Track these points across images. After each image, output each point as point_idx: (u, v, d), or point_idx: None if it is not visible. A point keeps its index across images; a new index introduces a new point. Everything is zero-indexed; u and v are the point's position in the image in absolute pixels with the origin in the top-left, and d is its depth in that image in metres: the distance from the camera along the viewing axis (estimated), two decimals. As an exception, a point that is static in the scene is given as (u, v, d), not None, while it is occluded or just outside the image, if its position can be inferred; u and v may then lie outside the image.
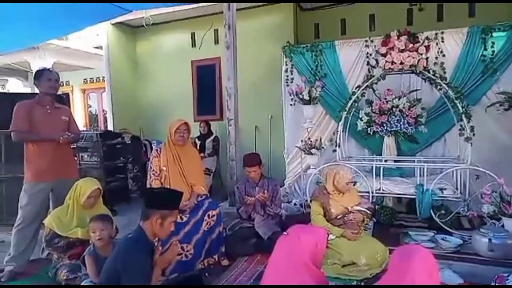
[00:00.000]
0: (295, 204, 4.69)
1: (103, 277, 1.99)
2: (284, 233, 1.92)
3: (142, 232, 2.05)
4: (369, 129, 4.53)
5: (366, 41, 4.66)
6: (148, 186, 3.21)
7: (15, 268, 3.00)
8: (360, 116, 4.57)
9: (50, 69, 3.34)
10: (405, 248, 1.75)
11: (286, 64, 5.16)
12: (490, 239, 2.88)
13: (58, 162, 3.11)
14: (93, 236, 2.56)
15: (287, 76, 5.16)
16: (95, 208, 2.89)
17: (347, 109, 4.30)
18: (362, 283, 2.65)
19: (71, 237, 2.78)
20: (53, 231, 2.77)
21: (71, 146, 3.52)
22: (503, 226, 3.12)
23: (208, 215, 3.15)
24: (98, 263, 2.44)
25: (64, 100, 4.55)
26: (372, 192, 3.91)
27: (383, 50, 4.19)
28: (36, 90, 3.26)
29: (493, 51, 4.13)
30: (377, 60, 4.41)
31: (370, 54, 4.61)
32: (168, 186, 3.09)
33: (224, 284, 2.79)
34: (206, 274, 2.94)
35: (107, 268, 1.98)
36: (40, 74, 3.15)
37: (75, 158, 4.64)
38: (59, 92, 3.65)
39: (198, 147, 5.67)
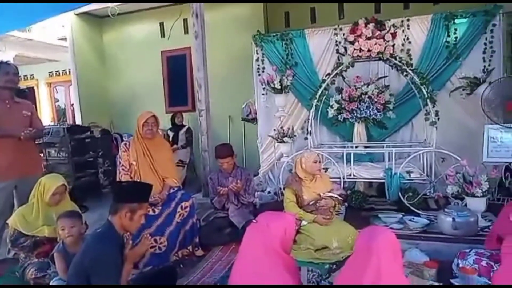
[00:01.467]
0: (269, 192, 4.72)
1: (71, 272, 1.95)
2: (254, 220, 1.93)
3: (111, 226, 2.01)
4: (339, 116, 4.61)
5: (335, 29, 4.68)
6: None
7: (-21, 270, 2.88)
8: (331, 103, 4.63)
9: (8, 62, 3.21)
10: (369, 229, 1.79)
11: (257, 53, 5.12)
12: (453, 218, 3.00)
13: (20, 159, 3.00)
14: (62, 234, 2.48)
15: (258, 65, 5.13)
16: (61, 205, 2.79)
17: (317, 97, 4.33)
18: (334, 266, 2.72)
19: (38, 236, 2.69)
20: (17, 230, 2.67)
21: (36, 142, 3.40)
22: (466, 205, 3.26)
23: (181, 206, 3.13)
24: (67, 260, 2.36)
25: (27, 94, 4.39)
26: (344, 178, 3.99)
27: (351, 37, 4.22)
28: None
29: (456, 37, 4.25)
30: (345, 48, 4.43)
31: (339, 42, 4.64)
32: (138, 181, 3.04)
33: (199, 276, 2.80)
34: (181, 265, 2.95)
35: (75, 263, 1.94)
36: None
37: (41, 154, 4.48)
38: (23, 87, 3.49)
39: (171, 139, 5.59)
